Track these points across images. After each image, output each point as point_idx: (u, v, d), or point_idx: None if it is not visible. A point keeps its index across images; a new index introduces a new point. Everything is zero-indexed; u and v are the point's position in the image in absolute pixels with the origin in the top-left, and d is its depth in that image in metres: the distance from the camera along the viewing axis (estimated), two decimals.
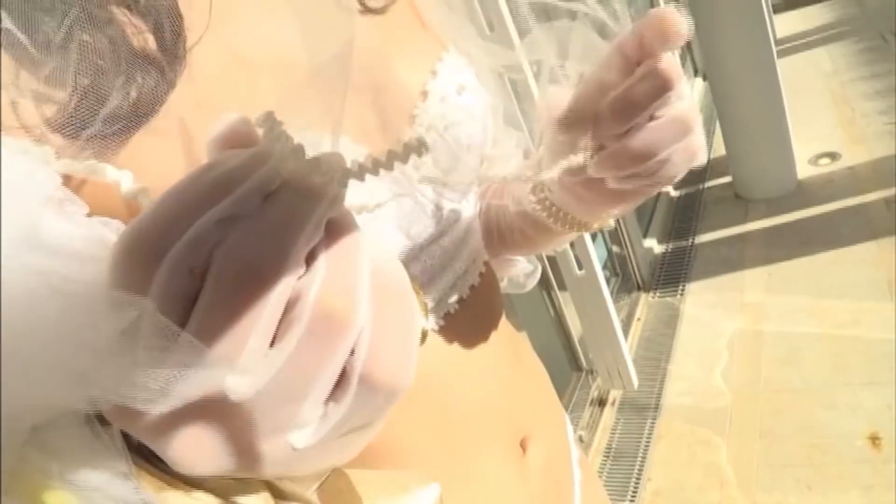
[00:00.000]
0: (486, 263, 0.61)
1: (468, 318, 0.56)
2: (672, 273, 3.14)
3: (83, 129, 0.38)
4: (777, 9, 6.71)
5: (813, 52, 5.32)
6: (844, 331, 2.47)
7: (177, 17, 0.42)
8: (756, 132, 3.34)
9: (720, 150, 3.82)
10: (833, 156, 3.61)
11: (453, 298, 0.55)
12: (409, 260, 0.51)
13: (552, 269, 2.48)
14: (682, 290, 2.99)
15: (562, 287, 2.51)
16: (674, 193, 3.84)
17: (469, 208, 0.58)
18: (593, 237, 2.61)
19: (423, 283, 0.52)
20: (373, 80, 0.50)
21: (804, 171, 3.51)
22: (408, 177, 0.50)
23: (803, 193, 3.37)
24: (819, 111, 4.17)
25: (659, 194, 3.75)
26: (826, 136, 3.84)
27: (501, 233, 0.68)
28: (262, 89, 0.45)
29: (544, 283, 2.53)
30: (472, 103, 0.54)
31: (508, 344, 0.62)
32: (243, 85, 0.44)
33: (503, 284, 0.79)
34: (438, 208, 0.53)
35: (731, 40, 3.19)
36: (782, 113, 3.35)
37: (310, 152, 0.40)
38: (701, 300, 2.91)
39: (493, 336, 0.59)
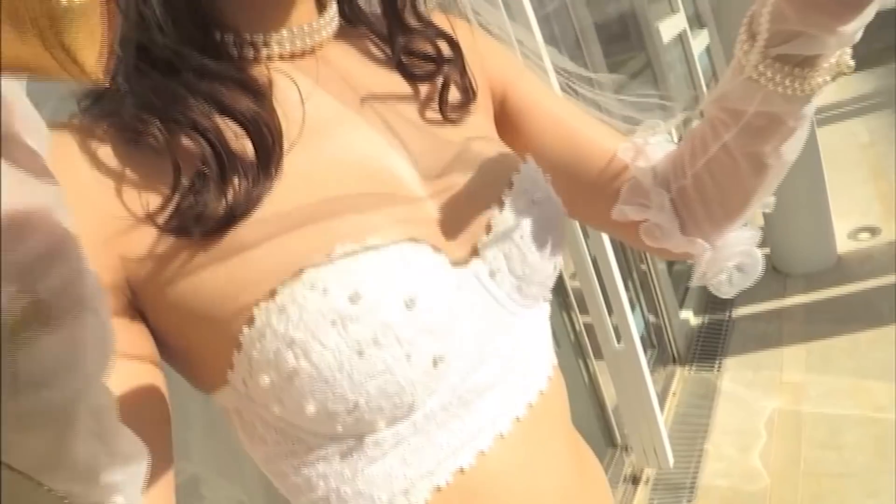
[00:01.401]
0: (556, 368, 0.62)
1: (534, 425, 0.57)
2: (708, 347, 3.11)
3: (181, 226, 0.42)
4: None
5: (850, 122, 5.31)
6: (885, 414, 2.43)
7: (276, 129, 0.46)
8: (795, 204, 3.34)
9: (758, 221, 3.82)
10: (873, 230, 3.59)
11: (521, 403, 0.55)
12: (476, 364, 0.52)
13: (589, 337, 2.49)
14: (719, 365, 2.97)
15: (598, 356, 2.51)
16: None
17: (541, 314, 0.60)
18: (632, 306, 2.62)
19: (488, 386, 0.53)
20: (452, 189, 0.53)
21: (843, 245, 3.49)
22: (484, 285, 0.53)
23: (843, 269, 3.35)
24: (857, 184, 4.16)
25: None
26: (865, 209, 3.82)
27: (702, 188, 0.60)
28: (350, 187, 0.49)
29: (580, 350, 2.53)
30: (547, 212, 0.57)
31: (573, 451, 0.62)
32: (332, 181, 0.48)
33: (722, 281, 0.67)
34: (510, 314, 0.55)
35: None
36: (822, 184, 3.36)
37: (400, 262, 0.44)
38: (738, 376, 2.88)
39: (559, 443, 0.59)
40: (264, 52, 0.50)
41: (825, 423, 2.48)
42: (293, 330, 0.41)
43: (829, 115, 5.53)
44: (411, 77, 0.58)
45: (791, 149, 0.54)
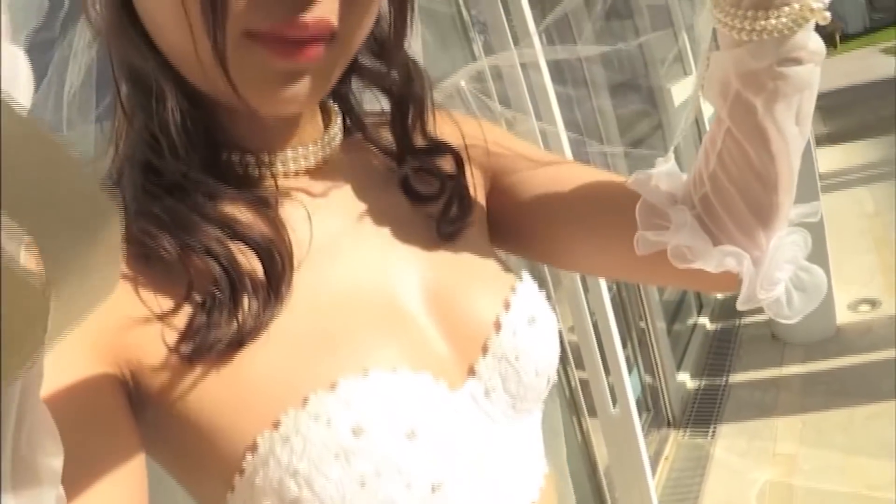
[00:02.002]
0: (548, 477, 0.61)
1: None
2: (703, 412, 3.10)
3: (192, 350, 0.43)
4: (819, 141, 6.76)
5: (855, 190, 5.35)
6: (878, 493, 2.41)
7: (287, 254, 0.47)
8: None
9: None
10: (873, 303, 3.59)
11: None
12: (471, 484, 0.51)
13: (584, 394, 2.48)
14: (713, 431, 2.96)
15: (592, 413, 2.50)
16: (710, 326, 3.84)
17: (534, 422, 0.60)
18: (630, 366, 2.61)
19: (482, 503, 0.53)
20: (450, 311, 0.54)
21: (843, 316, 3.50)
22: (479, 404, 0.53)
23: (842, 340, 3.35)
24: (860, 254, 4.18)
25: (695, 325, 3.75)
26: (866, 281, 3.83)
27: (721, 189, 0.57)
28: (353, 313, 0.50)
29: (574, 408, 2.53)
30: (543, 332, 0.57)
31: None
32: (336, 306, 0.49)
33: (780, 303, 0.60)
34: (503, 428, 0.55)
35: None
36: (824, 252, 3.37)
37: (402, 393, 0.45)
38: (732, 444, 2.86)
39: None
40: (270, 170, 0.51)
41: (817, 498, 2.47)
42: (297, 461, 0.42)
43: (835, 182, 5.56)
44: (414, 196, 0.59)
45: (784, 116, 0.51)
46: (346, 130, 0.60)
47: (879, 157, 6.09)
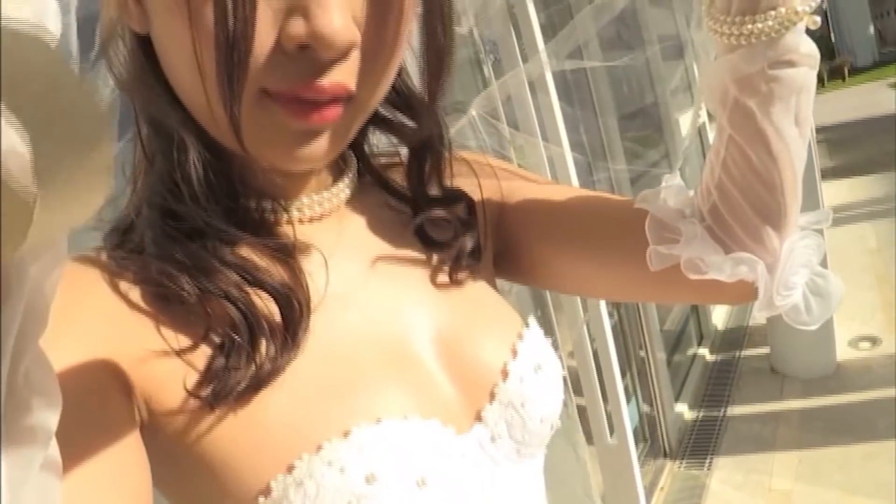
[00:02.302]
0: None
1: None
2: (700, 443, 3.10)
3: (210, 394, 0.44)
4: (825, 175, 6.73)
5: (858, 225, 5.35)
6: None
7: (305, 300, 0.49)
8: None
9: (760, 317, 3.83)
10: (874, 340, 3.60)
11: None
12: None
13: (581, 421, 2.48)
14: (710, 463, 2.95)
15: (589, 440, 2.50)
16: (710, 358, 3.84)
17: (536, 464, 0.61)
18: (628, 396, 2.61)
19: None
20: (459, 357, 0.55)
21: (844, 353, 3.49)
22: (485, 449, 0.54)
23: (841, 377, 3.35)
24: (862, 290, 4.18)
25: (695, 356, 3.75)
26: (867, 317, 3.83)
27: (728, 196, 0.57)
28: (366, 361, 0.51)
29: (569, 437, 2.53)
30: (548, 380, 0.58)
31: None
32: (349, 353, 0.50)
33: (798, 310, 0.60)
34: (507, 472, 0.56)
35: None
36: None
37: (413, 441, 0.46)
38: (728, 477, 2.86)
39: None
40: (286, 216, 0.52)
41: None
42: None
43: (839, 216, 5.55)
44: (427, 241, 0.60)
45: (781, 118, 0.52)
46: (361, 173, 0.61)
47: (884, 193, 6.09)
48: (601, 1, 1.87)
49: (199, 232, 0.47)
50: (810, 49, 0.51)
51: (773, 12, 0.48)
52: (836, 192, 6.29)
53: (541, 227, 0.66)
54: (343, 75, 0.45)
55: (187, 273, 0.46)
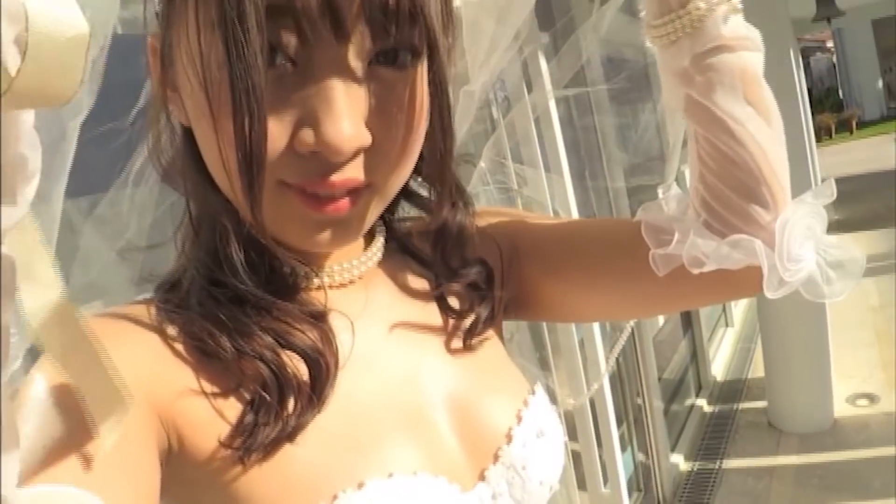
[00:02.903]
0: None
1: None
2: (695, 496, 3.09)
3: (238, 440, 0.48)
4: (830, 229, 6.68)
5: (861, 281, 5.32)
6: None
7: (333, 363, 0.53)
8: (797, 360, 3.37)
9: (759, 370, 3.84)
10: (872, 398, 3.60)
11: None
12: None
13: (576, 466, 2.49)
14: None
15: (582, 486, 2.50)
16: (707, 409, 3.84)
17: None
18: (623, 444, 2.62)
19: None
20: (468, 420, 0.59)
21: (841, 409, 3.50)
22: None
23: (838, 434, 3.35)
24: (862, 347, 4.19)
25: (692, 407, 3.75)
26: (866, 375, 3.84)
27: (711, 186, 0.60)
28: (382, 419, 0.55)
29: (564, 482, 2.53)
30: (550, 445, 0.62)
31: None
32: (368, 412, 0.54)
33: (816, 282, 0.61)
34: None
35: None
36: (825, 343, 3.39)
37: (421, 496, 0.49)
38: None
39: None
40: (317, 282, 0.56)
41: None
42: None
43: None
44: (447, 310, 0.64)
45: (726, 101, 0.55)
46: (388, 238, 0.65)
47: (888, 249, 6.06)
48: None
49: (239, 298, 0.51)
50: (741, 32, 0.55)
51: (682, 10, 0.54)
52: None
53: (550, 263, 0.69)
54: (355, 171, 0.47)
55: (227, 334, 0.50)
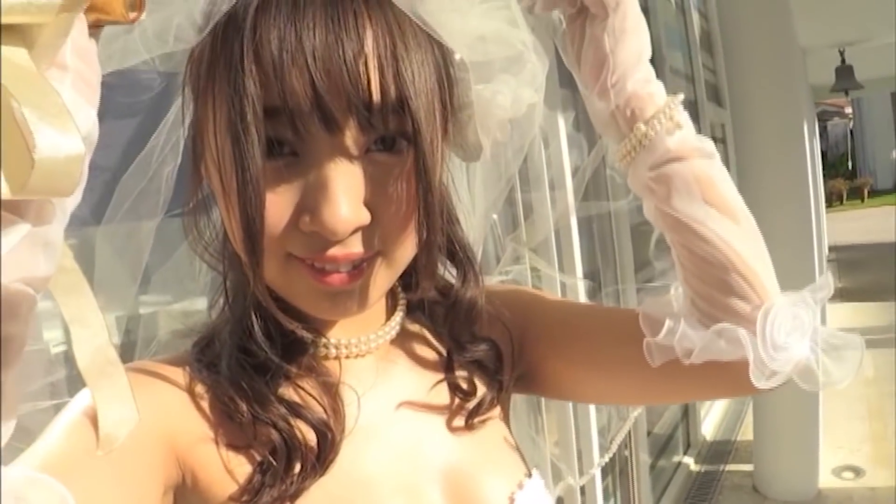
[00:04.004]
0: None
1: None
2: None
3: (246, 498, 0.54)
4: (831, 296, 6.50)
5: None
6: None
7: (340, 435, 0.57)
8: (787, 427, 3.39)
9: (748, 433, 3.86)
10: (857, 471, 3.62)
11: None
12: None
13: None
14: None
15: None
16: (694, 467, 3.86)
17: None
18: (606, 498, 2.63)
19: None
20: (463, 498, 0.62)
21: (826, 480, 3.52)
22: None
23: None
24: (851, 419, 4.20)
25: (679, 464, 3.77)
26: (854, 447, 3.86)
27: (691, 283, 0.63)
28: (381, 493, 0.59)
29: None
30: None
31: None
32: (367, 484, 0.59)
33: (809, 370, 0.61)
34: None
35: None
36: (815, 413, 3.41)
37: None
38: None
39: None
40: (335, 352, 0.60)
41: None
42: None
43: None
44: (454, 389, 0.66)
45: (684, 205, 0.60)
46: (409, 309, 0.67)
47: (888, 322, 5.97)
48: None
49: (263, 366, 0.57)
50: (690, 144, 0.61)
51: (633, 130, 0.61)
52: (840, 315, 6.25)
53: (555, 344, 0.71)
54: (357, 245, 0.51)
55: (246, 400, 0.55)
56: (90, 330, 0.40)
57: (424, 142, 0.49)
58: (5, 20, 0.29)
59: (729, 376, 0.62)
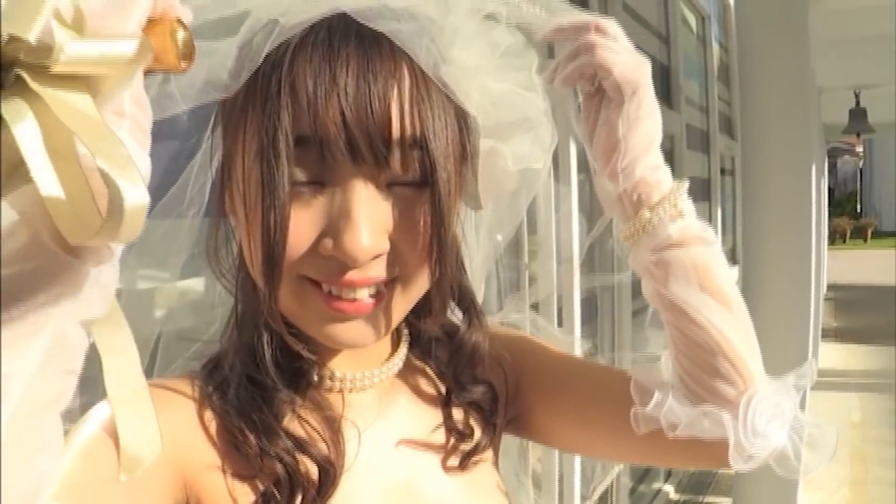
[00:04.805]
0: None
1: None
2: None
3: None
4: (826, 334, 6.53)
5: (847, 395, 5.36)
6: None
7: (341, 470, 0.59)
8: (768, 464, 3.39)
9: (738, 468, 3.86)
10: None
11: None
12: None
13: None
14: None
15: None
16: (673, 496, 3.88)
17: None
18: None
19: None
20: None
21: None
22: None
23: None
24: (834, 462, 4.05)
25: (659, 491, 3.79)
26: (832, 490, 3.88)
27: (681, 362, 0.64)
28: None
29: None
30: None
31: None
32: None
33: (786, 456, 0.64)
34: None
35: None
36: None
37: None
38: None
39: None
40: (339, 385, 0.61)
41: None
42: None
43: (828, 381, 5.45)
44: (450, 429, 0.67)
45: (681, 290, 0.61)
46: (412, 345, 0.68)
47: (880, 367, 6.03)
48: None
49: (269, 396, 0.58)
50: (693, 232, 0.62)
51: (637, 215, 0.62)
52: (832, 355, 6.27)
53: (546, 394, 0.73)
54: (376, 270, 0.52)
55: (254, 433, 0.57)
56: (122, 359, 0.41)
57: (441, 180, 0.52)
58: (78, 70, 0.30)
59: (710, 452, 0.63)
